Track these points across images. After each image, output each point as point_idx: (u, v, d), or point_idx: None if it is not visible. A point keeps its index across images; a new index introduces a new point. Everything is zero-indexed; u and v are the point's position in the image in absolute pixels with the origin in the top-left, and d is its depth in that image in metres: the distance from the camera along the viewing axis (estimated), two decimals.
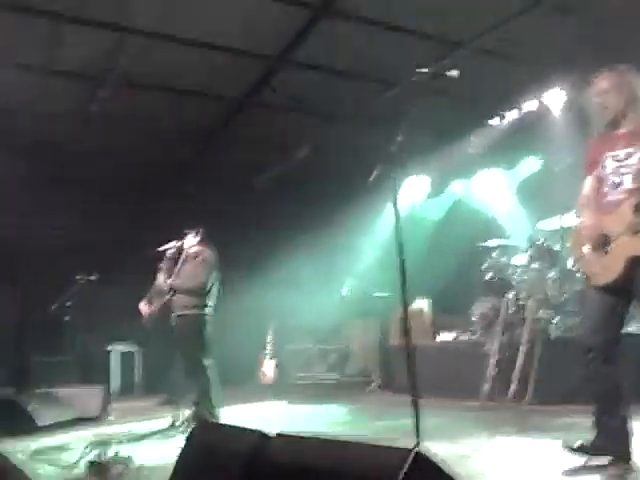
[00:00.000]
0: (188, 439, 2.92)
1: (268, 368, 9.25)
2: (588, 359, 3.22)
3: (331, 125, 7.96)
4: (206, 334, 5.62)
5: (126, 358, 9.59)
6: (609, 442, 3.13)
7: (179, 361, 5.93)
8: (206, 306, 5.66)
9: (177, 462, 2.82)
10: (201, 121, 7.86)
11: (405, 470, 1.81)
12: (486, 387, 6.25)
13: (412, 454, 1.84)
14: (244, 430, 2.68)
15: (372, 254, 9.43)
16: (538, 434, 4.28)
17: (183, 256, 5.91)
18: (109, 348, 9.54)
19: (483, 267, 7.42)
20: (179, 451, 2.87)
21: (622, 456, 3.08)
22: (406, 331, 3.45)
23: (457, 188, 9.58)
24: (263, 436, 2.49)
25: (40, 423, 5.68)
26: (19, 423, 5.64)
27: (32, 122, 7.31)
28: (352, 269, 9.84)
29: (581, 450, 3.19)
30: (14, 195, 7.80)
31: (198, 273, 5.67)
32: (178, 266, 5.87)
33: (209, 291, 5.68)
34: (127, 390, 9.33)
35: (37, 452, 4.41)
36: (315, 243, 9.77)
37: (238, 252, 8.97)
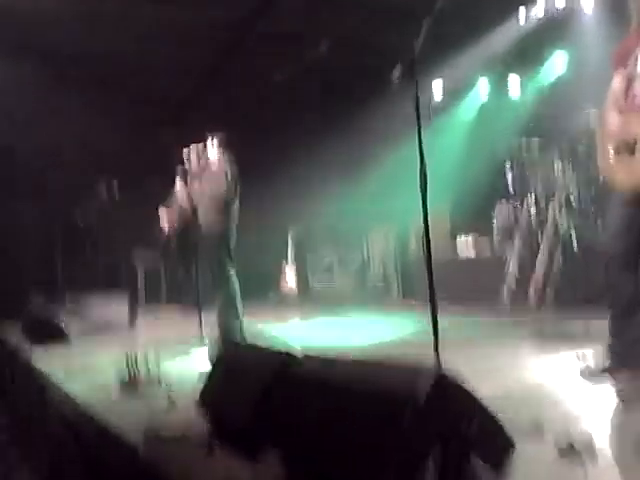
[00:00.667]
0: (215, 357, 3.00)
1: (289, 278, 9.37)
2: (607, 265, 3.18)
3: (352, 17, 7.60)
4: (231, 244, 5.58)
5: (151, 270, 9.75)
6: (626, 350, 3.13)
7: (203, 272, 5.97)
8: (230, 220, 5.60)
9: (205, 380, 2.91)
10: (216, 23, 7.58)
11: (425, 390, 1.85)
12: (506, 293, 6.29)
13: (435, 374, 1.87)
14: (271, 350, 2.74)
15: (394, 159, 9.26)
16: (556, 341, 4.31)
17: (205, 172, 5.80)
18: (135, 259, 9.66)
19: (507, 175, 7.28)
20: (207, 368, 2.96)
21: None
22: (426, 240, 3.41)
23: (484, 88, 9.26)
24: (289, 356, 2.54)
25: (71, 333, 5.88)
26: (52, 332, 5.85)
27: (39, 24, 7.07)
28: (371, 174, 9.67)
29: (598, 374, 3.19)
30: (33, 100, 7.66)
31: (221, 188, 5.55)
32: (199, 176, 5.79)
33: (233, 200, 5.60)
34: (153, 299, 9.54)
35: (69, 369, 4.55)
36: (337, 145, 9.58)
37: (258, 154, 8.89)
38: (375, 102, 8.54)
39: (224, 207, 5.55)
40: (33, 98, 7.71)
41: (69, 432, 3.50)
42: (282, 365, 2.52)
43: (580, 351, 3.47)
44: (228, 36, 7.99)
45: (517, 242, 6.53)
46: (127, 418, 3.01)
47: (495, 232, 7.27)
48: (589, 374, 3.20)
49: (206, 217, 5.65)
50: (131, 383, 3.58)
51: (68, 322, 5.98)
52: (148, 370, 3.63)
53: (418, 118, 3.10)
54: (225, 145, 5.84)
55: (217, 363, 2.95)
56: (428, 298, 3.39)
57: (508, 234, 6.95)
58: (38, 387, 4.46)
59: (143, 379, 3.57)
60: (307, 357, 2.49)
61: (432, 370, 1.91)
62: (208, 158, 5.80)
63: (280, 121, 10.10)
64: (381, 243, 9.42)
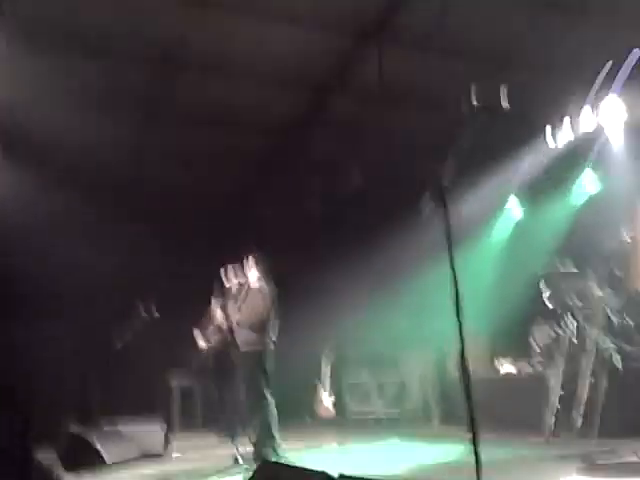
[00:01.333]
0: (252, 478, 2.96)
1: (326, 402, 9.20)
2: None
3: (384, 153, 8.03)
4: (269, 368, 5.61)
5: (186, 392, 9.70)
6: None
7: (238, 397, 5.94)
8: (269, 340, 5.67)
9: None
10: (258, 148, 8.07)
11: None
12: (549, 421, 6.05)
13: None
14: (307, 471, 2.71)
15: (428, 283, 9.33)
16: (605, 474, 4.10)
17: (243, 291, 5.94)
18: (170, 383, 9.65)
19: (544, 294, 7.24)
20: None
21: None
22: (463, 365, 3.40)
23: (515, 210, 9.47)
24: (327, 478, 2.50)
25: (107, 459, 5.81)
26: (87, 459, 5.79)
27: (81, 155, 7.59)
28: (408, 297, 9.70)
29: None
30: (66, 230, 8.07)
31: (260, 308, 5.68)
32: (239, 302, 5.91)
33: (271, 325, 5.70)
34: (188, 425, 9.41)
35: None
36: (373, 270, 9.72)
37: (293, 277, 9.06)
38: (409, 227, 8.79)
39: (261, 327, 5.64)
40: (73, 224, 8.15)
41: None
42: None
43: None
44: (261, 160, 8.45)
45: (558, 363, 6.37)
46: None
47: (534, 353, 7.12)
48: None
49: (246, 345, 5.71)
50: None
51: (103, 448, 5.93)
52: None
53: (449, 242, 3.22)
54: (261, 265, 6.01)
55: None
56: (468, 424, 3.33)
57: (548, 355, 6.80)
58: None
59: None
60: (343, 478, 2.46)
61: None
62: (246, 278, 5.96)
63: (312, 245, 10.39)
64: (419, 366, 9.26)
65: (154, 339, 8.61)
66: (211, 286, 6.50)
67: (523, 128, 7.46)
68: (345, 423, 9.10)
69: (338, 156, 8.09)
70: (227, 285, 6.16)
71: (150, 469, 5.77)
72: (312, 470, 2.67)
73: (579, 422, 5.77)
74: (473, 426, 3.35)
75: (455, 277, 3.20)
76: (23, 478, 7.06)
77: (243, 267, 6.01)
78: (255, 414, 5.54)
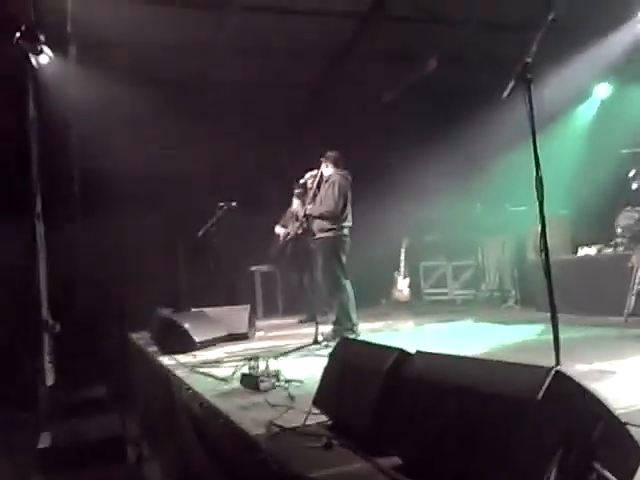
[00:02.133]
0: (331, 355, 3.09)
1: (402, 286, 9.37)
2: None
3: (461, 34, 7.58)
4: (343, 255, 5.84)
5: (267, 279, 10.10)
6: None
7: (317, 282, 6.20)
8: (342, 228, 5.85)
9: (322, 377, 3.01)
10: (327, 41, 7.82)
11: (545, 388, 1.81)
12: (631, 302, 5.93)
13: (552, 373, 1.83)
14: (384, 347, 2.80)
15: (507, 167, 9.05)
16: None
17: (316, 183, 6.09)
18: (252, 269, 10.04)
19: (630, 174, 6.89)
20: (323, 366, 3.06)
21: None
22: (544, 246, 3.36)
23: (602, 91, 8.87)
24: (403, 353, 2.58)
25: (196, 340, 6.22)
26: (177, 339, 6.22)
27: (172, 56, 7.59)
28: (486, 183, 9.49)
29: None
30: (160, 127, 8.24)
31: (330, 197, 5.84)
32: (314, 193, 6.08)
33: (343, 213, 5.85)
34: (270, 310, 9.87)
35: (196, 366, 4.85)
36: (447, 158, 9.52)
37: (370, 167, 9.02)
38: (490, 111, 8.43)
39: (334, 215, 5.80)
40: (161, 125, 8.30)
41: (195, 426, 3.75)
42: (396, 362, 2.56)
43: None
44: (339, 54, 8.19)
45: None
46: (249, 413, 3.18)
47: (617, 235, 6.88)
48: None
49: (320, 233, 5.93)
50: (253, 381, 3.76)
51: (191, 329, 6.33)
52: (268, 369, 3.80)
53: (532, 124, 3.09)
54: (338, 161, 6.09)
55: (333, 361, 3.05)
56: (547, 305, 3.31)
57: (631, 237, 6.56)
58: (167, 386, 4.79)
59: (264, 377, 3.73)
60: (421, 356, 2.52)
61: (554, 372, 1.83)
62: (322, 174, 6.07)
63: (392, 134, 10.21)
64: (496, 251, 9.19)
65: (238, 230, 8.94)
66: (292, 182, 6.63)
67: (614, 7, 6.85)
68: (420, 305, 9.30)
69: (415, 41, 7.70)
70: (304, 179, 6.33)
71: (236, 347, 6.14)
72: (389, 347, 2.75)
73: None
74: (552, 306, 3.35)
75: (537, 157, 3.10)
76: (121, 354, 7.74)
77: (320, 164, 6.12)
78: (333, 297, 5.82)
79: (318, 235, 5.95)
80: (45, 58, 6.88)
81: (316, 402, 2.95)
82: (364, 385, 2.62)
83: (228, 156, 9.25)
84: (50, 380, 7.27)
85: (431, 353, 2.50)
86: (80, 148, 8.50)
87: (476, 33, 7.58)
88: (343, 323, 5.72)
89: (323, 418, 2.86)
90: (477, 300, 9.25)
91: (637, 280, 5.95)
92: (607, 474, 1.75)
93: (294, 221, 6.29)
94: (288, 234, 6.88)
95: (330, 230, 5.84)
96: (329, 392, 2.92)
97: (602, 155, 7.84)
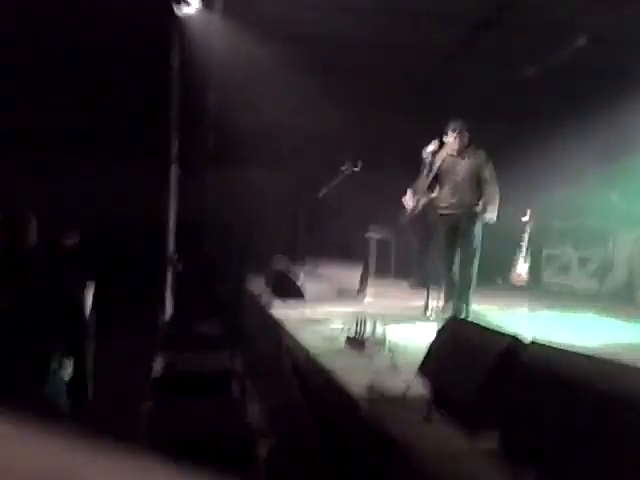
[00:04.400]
0: (442, 330, 3.06)
1: (521, 269, 9.02)
2: None
3: (615, 12, 6.98)
4: (479, 230, 5.72)
5: (382, 245, 10.06)
6: None
7: (437, 252, 6.10)
8: (479, 203, 5.72)
9: (429, 350, 2.99)
10: (472, 10, 7.50)
11: None
12: None
13: None
14: (498, 332, 2.73)
15: None
16: None
17: (444, 159, 5.94)
18: (368, 234, 10.06)
19: None
20: (430, 338, 3.04)
21: None
22: None
23: None
24: (516, 341, 2.50)
25: (306, 297, 6.38)
26: (289, 293, 6.42)
27: (316, 14, 7.61)
28: (628, 172, 8.84)
29: None
30: (296, 85, 8.37)
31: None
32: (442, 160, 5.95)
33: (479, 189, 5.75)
34: (382, 273, 9.85)
35: (304, 322, 4.98)
36: (588, 142, 8.96)
37: (505, 145, 8.69)
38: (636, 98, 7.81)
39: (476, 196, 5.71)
40: (297, 83, 8.40)
41: (298, 376, 3.87)
42: (509, 349, 2.49)
43: None
44: (482, 24, 7.83)
45: None
46: (352, 374, 3.23)
47: None
48: None
49: (459, 208, 5.81)
50: (358, 342, 3.81)
51: (304, 285, 6.49)
52: (375, 333, 3.83)
53: None
54: (468, 132, 5.90)
55: (442, 337, 3.01)
56: None
57: None
58: (275, 332, 4.98)
59: (370, 340, 3.77)
60: (535, 345, 2.43)
61: None
62: (461, 143, 5.89)
63: (529, 110, 9.74)
64: (628, 245, 8.59)
65: (359, 192, 8.97)
66: (417, 150, 6.51)
67: None
68: (538, 292, 8.92)
69: (564, 14, 7.17)
70: (432, 147, 6.13)
71: (345, 306, 6.22)
72: (502, 332, 2.68)
73: None
74: None
75: None
76: (237, 296, 8.12)
77: (450, 134, 5.93)
78: (467, 272, 5.67)
79: (457, 209, 5.80)
80: (190, 9, 7.15)
81: (420, 373, 2.94)
82: (474, 364, 2.57)
83: (356, 120, 9.22)
84: (169, 314, 7.78)
85: (545, 344, 2.41)
86: (217, 99, 8.81)
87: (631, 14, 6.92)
88: (462, 300, 5.58)
89: (423, 391, 2.85)
90: (601, 294, 8.73)
91: None
92: None
93: (422, 189, 6.17)
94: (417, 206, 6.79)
95: (471, 205, 5.72)
96: (436, 364, 2.90)
97: None
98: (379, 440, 2.40)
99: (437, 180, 5.98)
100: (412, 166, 7.12)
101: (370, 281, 7.75)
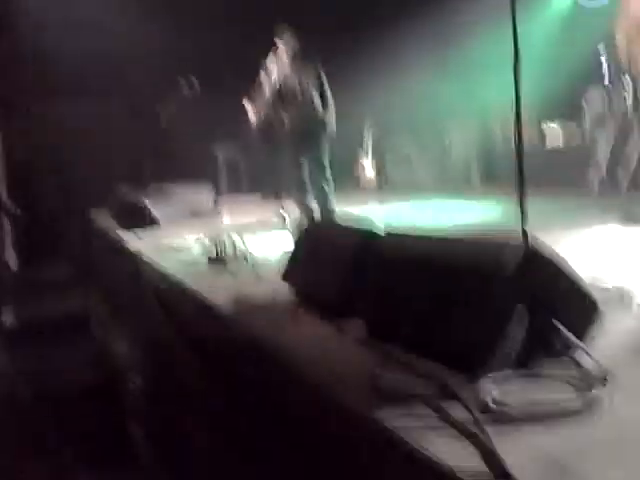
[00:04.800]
0: (300, 235, 3.07)
1: (367, 168, 9.25)
2: None
3: None
4: (328, 137, 5.68)
5: (230, 162, 9.82)
6: None
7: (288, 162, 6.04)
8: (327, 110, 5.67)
9: (291, 255, 3.00)
10: None
11: (516, 264, 1.81)
12: (593, 177, 5.99)
13: (523, 248, 1.83)
14: (352, 229, 2.77)
15: (476, 46, 8.69)
16: None
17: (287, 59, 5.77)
18: (214, 153, 9.74)
19: (600, 50, 6.71)
20: (290, 246, 3.04)
21: None
22: (517, 120, 3.27)
23: None
24: (371, 233, 2.56)
25: (158, 219, 6.12)
26: (139, 218, 6.12)
27: None
28: (454, 62, 9.14)
29: None
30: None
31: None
32: (281, 70, 5.78)
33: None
34: (233, 189, 9.66)
35: (162, 251, 4.77)
36: (420, 32, 9.07)
37: (338, 44, 8.65)
38: None
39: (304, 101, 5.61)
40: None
41: (162, 305, 3.76)
42: (364, 241, 2.55)
43: None
44: None
45: (608, 127, 6.12)
46: (216, 291, 3.18)
47: (585, 118, 6.84)
48: None
49: (307, 117, 5.70)
50: (219, 260, 3.74)
51: (154, 208, 6.22)
52: (234, 248, 3.77)
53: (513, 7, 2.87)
54: (305, 37, 5.75)
55: (301, 241, 3.02)
56: (515, 179, 3.27)
57: (599, 120, 6.53)
58: (132, 265, 4.77)
59: (230, 256, 3.71)
60: (389, 234, 2.50)
61: (519, 242, 1.87)
62: (292, 51, 5.74)
63: (361, 10, 9.66)
64: (462, 131, 9.08)
65: (199, 113, 8.58)
66: (258, 62, 6.28)
67: None
68: (387, 187, 9.24)
69: None
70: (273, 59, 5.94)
71: (200, 225, 6.04)
72: (357, 228, 2.73)
73: (626, 183, 5.70)
74: (521, 177, 3.31)
75: (515, 33, 2.91)
76: (84, 234, 7.65)
77: (289, 40, 5.75)
78: (325, 181, 5.64)
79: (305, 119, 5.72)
80: None
81: (285, 277, 2.96)
82: (333, 261, 2.61)
83: (187, 33, 8.72)
84: (12, 261, 7.19)
85: (399, 233, 2.48)
86: (30, 28, 7.93)
87: None
88: (326, 208, 5.44)
89: (289, 296, 2.88)
90: (443, 179, 9.20)
91: (602, 160, 5.97)
92: (563, 329, 1.83)
93: (264, 99, 5.98)
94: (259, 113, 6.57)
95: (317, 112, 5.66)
96: (297, 268, 2.92)
97: (574, 36, 7.56)
98: (243, 338, 2.42)
99: (280, 92, 5.84)
100: (252, 80, 6.87)
101: (223, 198, 7.60)
